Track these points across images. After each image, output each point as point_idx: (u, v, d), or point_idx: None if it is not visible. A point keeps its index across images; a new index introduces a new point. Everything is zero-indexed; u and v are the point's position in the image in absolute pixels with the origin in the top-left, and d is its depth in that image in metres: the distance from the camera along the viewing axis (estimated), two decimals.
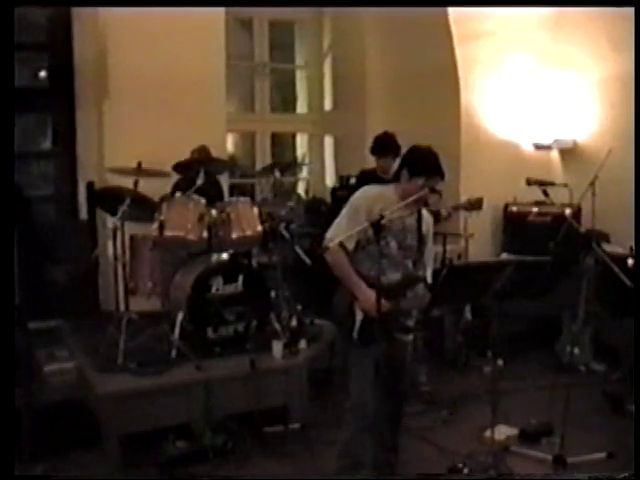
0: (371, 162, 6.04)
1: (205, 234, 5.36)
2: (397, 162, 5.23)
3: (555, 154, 7.64)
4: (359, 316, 3.79)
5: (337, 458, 4.04)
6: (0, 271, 3.28)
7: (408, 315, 3.97)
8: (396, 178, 4.02)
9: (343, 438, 4.01)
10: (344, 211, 3.92)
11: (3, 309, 3.29)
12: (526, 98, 7.49)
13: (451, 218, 5.66)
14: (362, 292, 3.77)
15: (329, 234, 3.85)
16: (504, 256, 6.63)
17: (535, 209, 6.99)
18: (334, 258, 3.81)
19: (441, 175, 3.86)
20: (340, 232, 3.77)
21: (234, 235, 5.47)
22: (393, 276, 3.89)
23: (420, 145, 3.98)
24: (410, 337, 4.05)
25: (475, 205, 5.63)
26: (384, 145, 5.77)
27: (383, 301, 3.60)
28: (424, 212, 4.03)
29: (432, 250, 4.15)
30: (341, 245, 3.72)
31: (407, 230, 3.94)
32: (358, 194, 3.97)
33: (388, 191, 3.97)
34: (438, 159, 3.89)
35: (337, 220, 3.90)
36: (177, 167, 5.90)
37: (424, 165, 3.86)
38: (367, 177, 5.75)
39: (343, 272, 3.83)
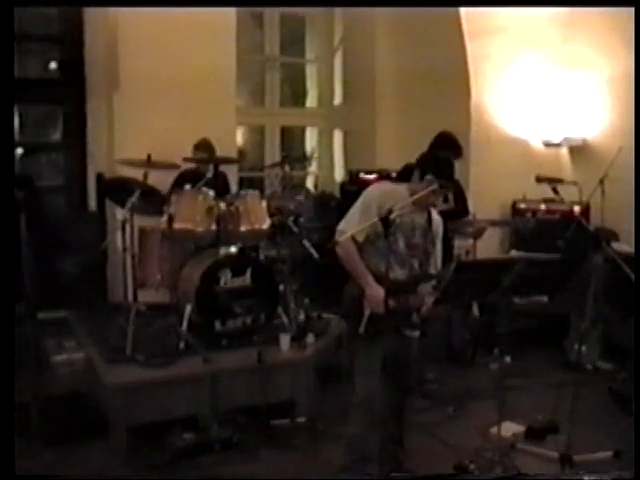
0: (380, 158, 6.01)
1: (214, 227, 5.37)
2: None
3: (565, 152, 7.62)
4: (367, 311, 3.79)
5: (344, 452, 4.06)
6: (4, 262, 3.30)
7: (415, 311, 3.97)
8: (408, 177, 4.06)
9: (351, 432, 4.02)
10: (356, 204, 3.93)
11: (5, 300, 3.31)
12: (536, 95, 7.47)
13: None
14: (370, 287, 3.78)
15: (341, 226, 3.88)
16: (513, 253, 6.63)
17: (543, 206, 6.98)
18: (345, 251, 3.82)
19: (450, 181, 3.95)
20: (352, 225, 3.80)
21: (243, 228, 5.47)
22: (399, 273, 3.92)
23: (439, 152, 4.03)
24: (417, 333, 4.05)
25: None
26: (447, 143, 5.56)
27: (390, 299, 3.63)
28: (434, 214, 4.06)
29: (440, 251, 4.16)
30: (353, 238, 3.74)
31: (416, 229, 3.97)
32: (371, 188, 4.00)
33: (401, 189, 4.00)
34: (452, 167, 3.97)
35: (349, 213, 3.92)
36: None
37: (436, 168, 3.90)
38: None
39: (353, 265, 3.84)
